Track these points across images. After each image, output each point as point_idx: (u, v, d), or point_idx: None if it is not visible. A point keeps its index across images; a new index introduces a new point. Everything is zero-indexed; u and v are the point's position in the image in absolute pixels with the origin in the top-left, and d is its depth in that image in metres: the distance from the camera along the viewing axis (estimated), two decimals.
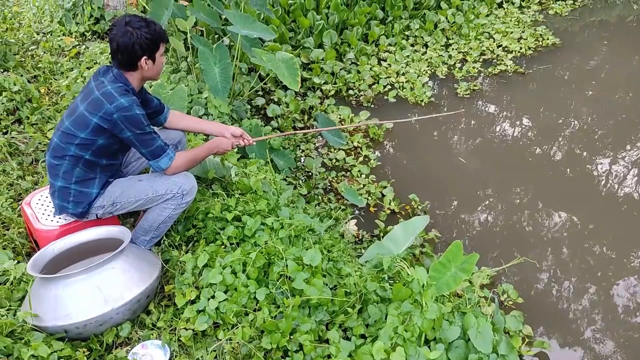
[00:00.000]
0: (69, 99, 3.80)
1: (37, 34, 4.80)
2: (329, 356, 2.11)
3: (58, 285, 2.12)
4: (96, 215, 2.48)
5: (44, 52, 4.49)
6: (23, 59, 4.35)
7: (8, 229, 2.72)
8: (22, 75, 3.99)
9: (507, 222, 3.80)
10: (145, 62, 2.32)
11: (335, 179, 4.16)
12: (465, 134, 4.80)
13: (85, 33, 5.07)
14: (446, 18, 6.48)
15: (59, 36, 4.78)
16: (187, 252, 2.63)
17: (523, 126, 4.91)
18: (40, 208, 2.54)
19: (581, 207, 3.93)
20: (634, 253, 3.52)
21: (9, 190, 3.00)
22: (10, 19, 4.94)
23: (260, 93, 5.10)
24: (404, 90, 5.34)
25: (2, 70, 4.05)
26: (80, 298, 2.11)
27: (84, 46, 4.80)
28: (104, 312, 2.12)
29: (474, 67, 5.69)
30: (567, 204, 3.94)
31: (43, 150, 3.40)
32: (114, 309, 2.14)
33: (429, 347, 2.04)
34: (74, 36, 4.94)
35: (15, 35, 4.62)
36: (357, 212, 3.83)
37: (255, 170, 3.30)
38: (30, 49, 4.54)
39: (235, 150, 3.03)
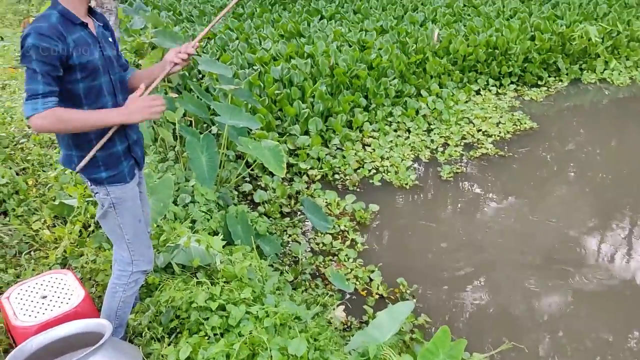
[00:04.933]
0: (56, 190, 3.83)
1: (29, 128, 4.91)
2: None
3: None
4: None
5: (34, 145, 4.58)
6: (13, 152, 4.43)
7: None
8: (10, 168, 4.05)
9: (497, 305, 3.76)
10: None
11: (323, 263, 4.14)
12: (452, 215, 4.86)
13: None
14: (427, 105, 6.75)
15: None
16: (169, 344, 2.57)
17: (506, 207, 4.98)
18: (19, 303, 2.50)
19: (570, 288, 3.91)
20: (631, 335, 3.48)
21: None
22: (3, 114, 5.08)
23: (247, 179, 5.18)
24: (389, 174, 5.45)
25: None
26: None
27: None
28: None
29: (456, 151, 5.86)
30: (554, 286, 3.93)
31: (27, 242, 3.39)
32: None
33: None
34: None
35: (6, 129, 4.73)
36: (345, 297, 3.78)
37: (241, 257, 3.29)
38: (20, 142, 4.63)
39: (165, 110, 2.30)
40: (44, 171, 4.17)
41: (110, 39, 2.25)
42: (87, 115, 1.99)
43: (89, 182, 2.27)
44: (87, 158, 2.11)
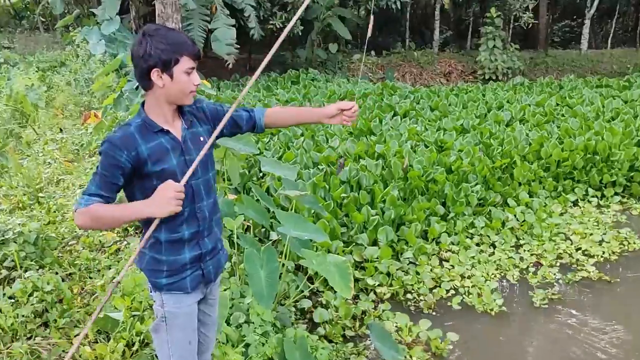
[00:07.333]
0: (101, 300, 3.95)
1: (79, 229, 5.20)
2: None
3: None
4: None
5: (83, 248, 4.81)
6: (61, 255, 4.67)
7: None
8: (57, 273, 4.24)
9: None
10: (160, 76, 2.17)
11: None
12: (547, 352, 4.60)
13: (128, 228, 5.44)
14: (515, 216, 6.64)
15: (101, 231, 5.15)
16: None
17: (613, 343, 4.67)
18: None
19: None
20: None
21: None
22: (54, 212, 5.41)
23: (307, 294, 5.15)
24: (470, 296, 5.29)
25: (37, 267, 4.33)
26: None
27: (125, 242, 5.12)
28: None
29: (550, 273, 5.65)
30: None
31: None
32: None
33: None
34: (116, 231, 5.31)
35: (56, 229, 5.02)
36: None
37: None
38: (69, 244, 4.89)
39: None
40: (90, 277, 4.35)
41: (202, 137, 2.41)
42: (118, 213, 2.18)
43: (149, 287, 2.45)
44: (140, 246, 2.30)
